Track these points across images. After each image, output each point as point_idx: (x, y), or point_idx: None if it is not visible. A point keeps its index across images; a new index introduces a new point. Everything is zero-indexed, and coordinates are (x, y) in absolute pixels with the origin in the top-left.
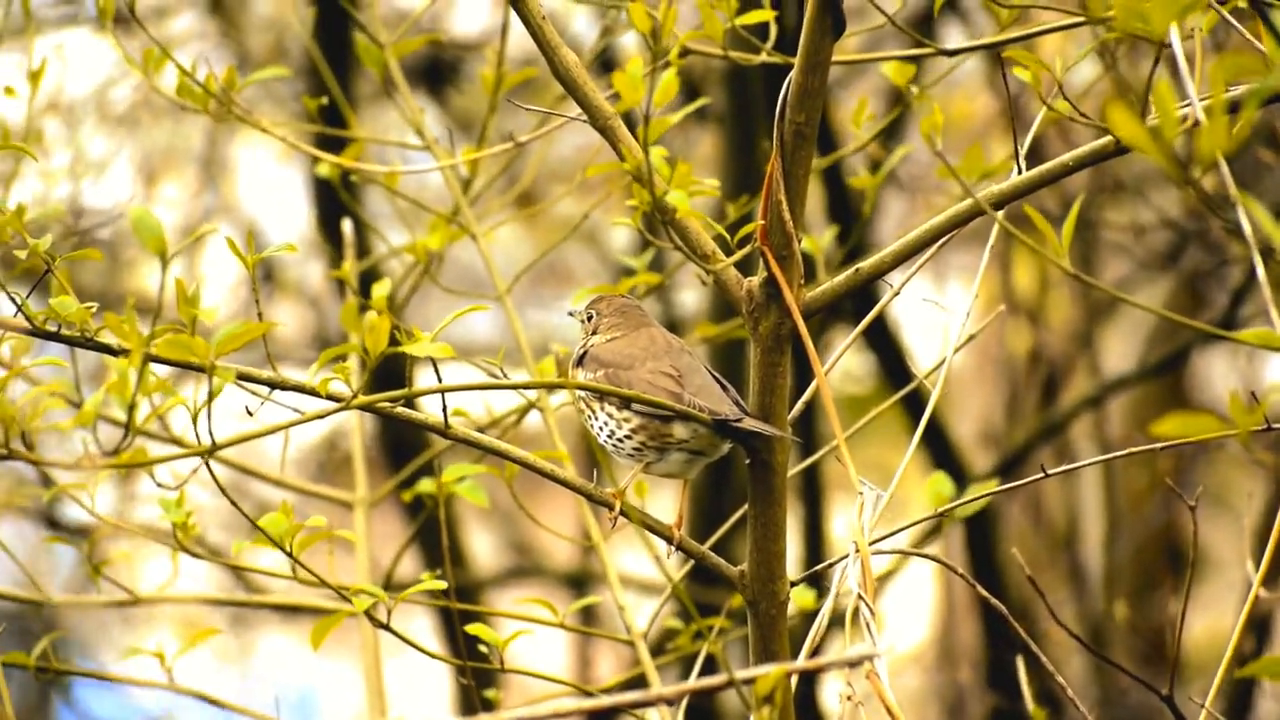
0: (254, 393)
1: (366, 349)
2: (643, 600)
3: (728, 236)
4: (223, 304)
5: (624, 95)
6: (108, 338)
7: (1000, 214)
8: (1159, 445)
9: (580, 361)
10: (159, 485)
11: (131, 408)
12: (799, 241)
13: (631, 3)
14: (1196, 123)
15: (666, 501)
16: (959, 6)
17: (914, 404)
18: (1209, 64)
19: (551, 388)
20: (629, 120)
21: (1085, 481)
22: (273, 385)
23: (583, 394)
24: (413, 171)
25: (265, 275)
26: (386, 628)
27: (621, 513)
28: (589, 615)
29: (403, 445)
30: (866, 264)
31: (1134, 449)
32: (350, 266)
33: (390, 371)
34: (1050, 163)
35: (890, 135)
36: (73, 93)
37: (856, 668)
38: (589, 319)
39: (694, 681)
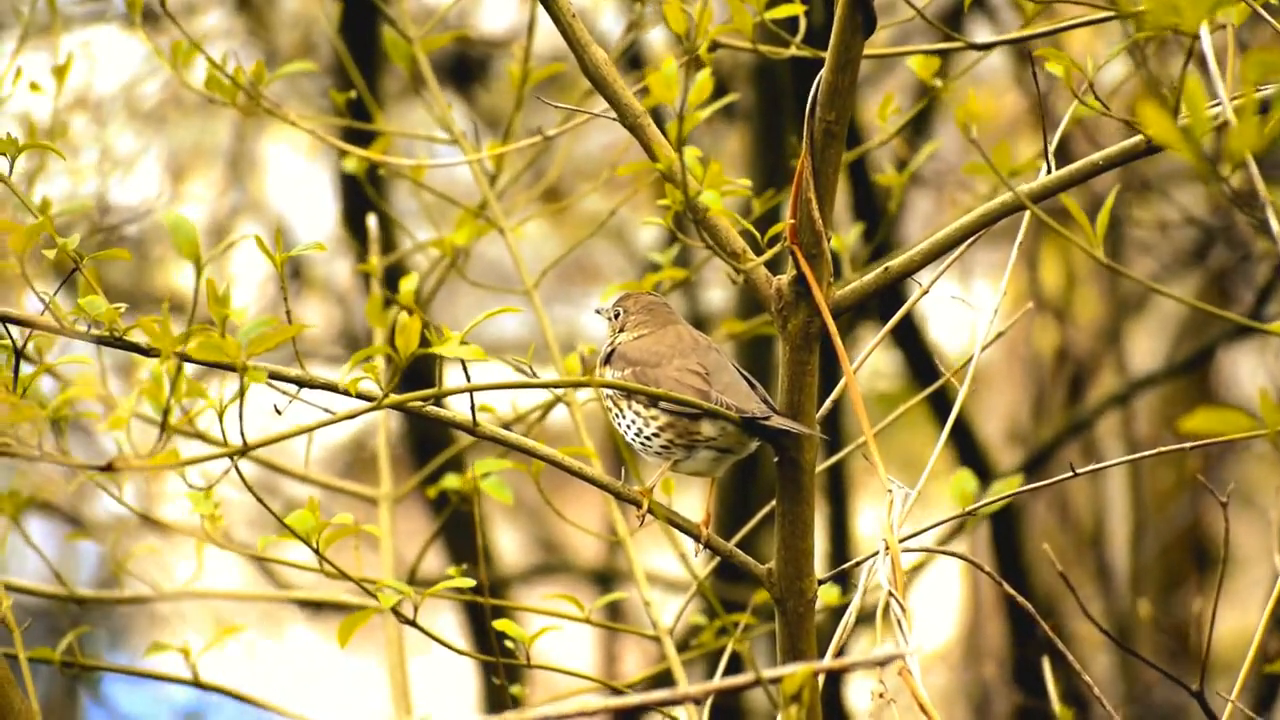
0: (283, 391)
1: (397, 349)
2: (669, 597)
3: (757, 234)
4: (251, 300)
5: (659, 95)
6: (137, 336)
7: (1035, 210)
8: (1187, 445)
9: (608, 359)
10: (189, 486)
11: (166, 411)
12: (828, 240)
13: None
14: (1227, 122)
15: (693, 499)
16: (986, 4)
17: (941, 401)
18: (1240, 61)
19: (579, 386)
20: (655, 114)
21: (1112, 479)
22: (302, 384)
23: (610, 392)
24: (440, 165)
25: (293, 272)
26: (412, 623)
27: (649, 510)
28: (615, 611)
29: (428, 442)
30: (896, 262)
31: (1162, 448)
32: (376, 261)
33: (416, 367)
34: (1080, 161)
35: (917, 132)
36: (101, 89)
37: (885, 666)
38: (616, 316)
39: (721, 680)
